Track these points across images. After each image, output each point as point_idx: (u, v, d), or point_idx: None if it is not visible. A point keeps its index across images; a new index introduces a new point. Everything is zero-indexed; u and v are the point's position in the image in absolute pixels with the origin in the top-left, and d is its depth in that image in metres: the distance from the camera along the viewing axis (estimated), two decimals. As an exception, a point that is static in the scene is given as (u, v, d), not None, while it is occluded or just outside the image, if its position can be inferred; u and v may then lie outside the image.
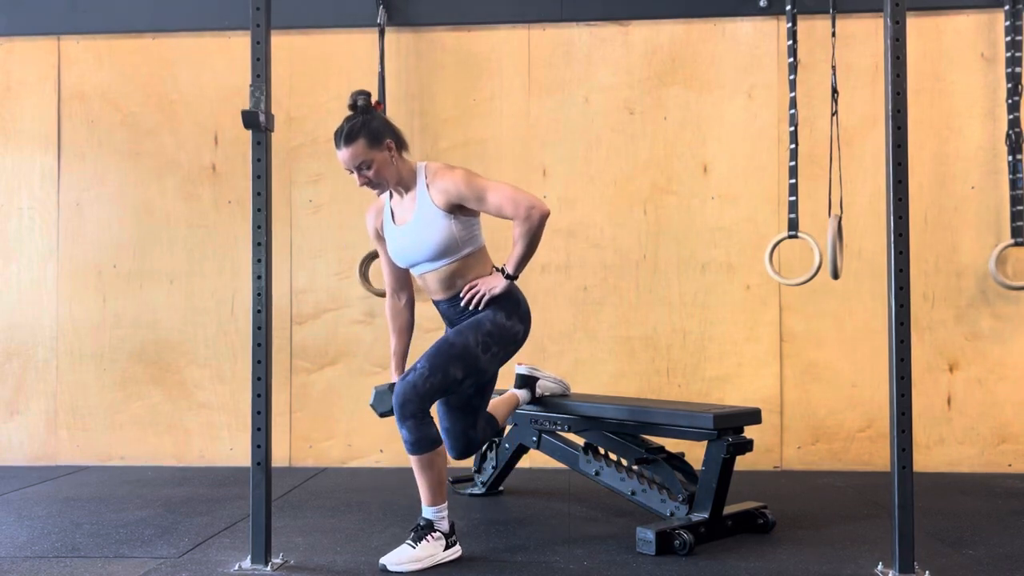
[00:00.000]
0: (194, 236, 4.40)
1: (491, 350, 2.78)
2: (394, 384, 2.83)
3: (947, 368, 4.14)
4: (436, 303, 2.91)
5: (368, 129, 2.70)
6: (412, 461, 2.69)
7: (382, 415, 2.88)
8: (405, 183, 2.80)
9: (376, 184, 2.76)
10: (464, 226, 2.77)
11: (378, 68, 4.17)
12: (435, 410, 3.01)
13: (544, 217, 2.72)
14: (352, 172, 2.75)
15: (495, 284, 2.79)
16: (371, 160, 2.71)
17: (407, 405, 2.65)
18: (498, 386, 3.32)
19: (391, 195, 2.86)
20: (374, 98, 2.82)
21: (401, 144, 2.79)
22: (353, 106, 2.77)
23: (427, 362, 2.70)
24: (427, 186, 2.76)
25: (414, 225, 2.77)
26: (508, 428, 3.57)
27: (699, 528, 2.84)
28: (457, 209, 2.75)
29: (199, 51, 4.41)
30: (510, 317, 2.82)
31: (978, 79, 4.15)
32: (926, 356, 4.11)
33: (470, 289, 2.80)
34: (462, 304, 2.81)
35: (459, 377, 2.73)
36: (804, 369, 4.18)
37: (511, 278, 2.80)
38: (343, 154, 2.71)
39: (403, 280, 2.99)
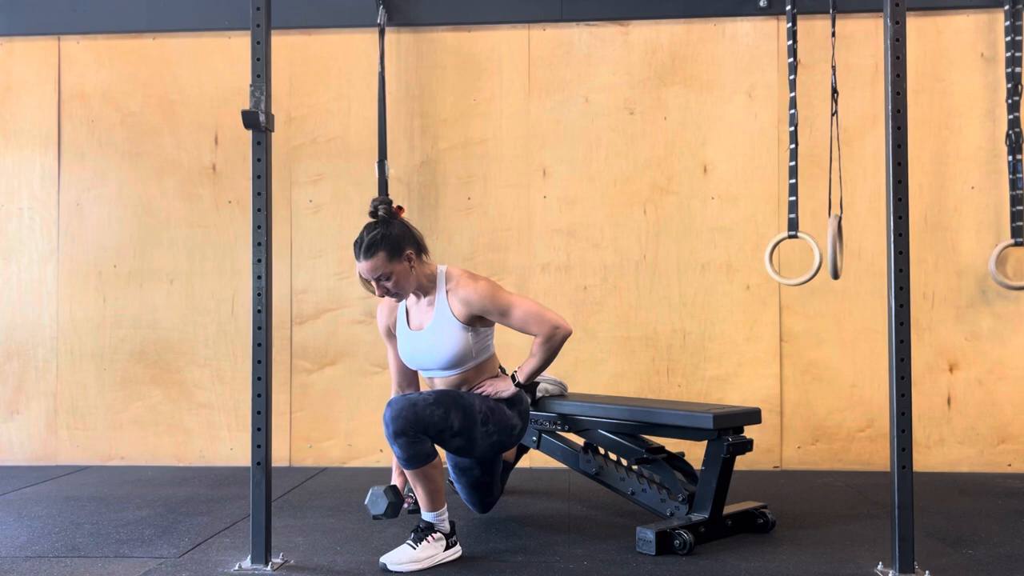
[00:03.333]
0: (194, 236, 4.40)
1: (488, 426, 2.79)
2: (392, 487, 2.80)
3: (947, 368, 4.14)
4: None
5: (388, 241, 2.68)
6: (407, 474, 2.69)
7: (375, 518, 2.80)
8: (424, 288, 2.80)
9: (395, 294, 2.75)
10: (480, 337, 2.80)
11: (378, 68, 4.17)
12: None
13: (567, 337, 2.76)
14: (370, 283, 2.75)
15: (503, 389, 2.84)
16: (391, 272, 2.69)
17: (399, 420, 2.62)
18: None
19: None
20: (395, 203, 2.80)
21: (421, 250, 2.78)
22: (374, 213, 2.75)
23: (435, 395, 2.72)
24: (447, 293, 2.76)
25: (430, 333, 2.77)
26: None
27: (699, 528, 2.84)
28: (476, 320, 2.76)
29: (199, 51, 4.41)
30: (511, 408, 2.86)
31: (978, 79, 4.15)
32: (926, 356, 4.11)
33: (478, 387, 2.84)
34: None
35: (454, 427, 2.71)
36: (804, 369, 4.19)
37: (520, 386, 2.84)
38: (362, 266, 2.69)
39: (411, 378, 3.03)
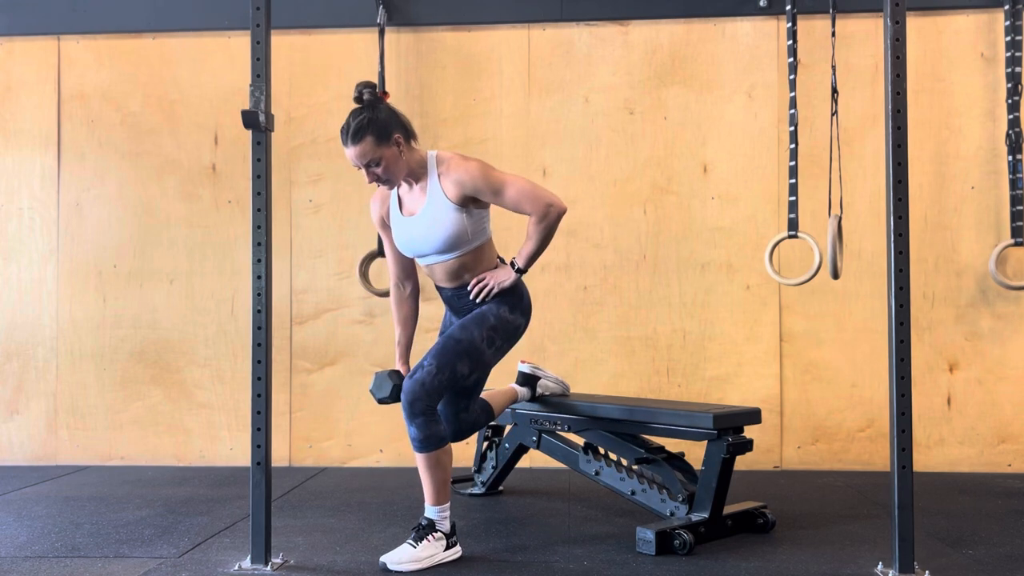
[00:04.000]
0: (194, 236, 4.40)
1: (495, 344, 2.77)
2: (396, 371, 2.82)
3: (947, 368, 4.14)
4: (440, 290, 2.89)
5: (375, 125, 2.64)
6: (418, 459, 2.68)
7: (380, 401, 2.84)
8: (415, 174, 2.75)
9: (386, 180, 2.71)
10: (475, 219, 2.74)
11: (378, 68, 4.17)
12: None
13: (561, 215, 2.72)
14: (360, 168, 2.70)
15: (504, 278, 2.78)
16: (380, 157, 2.65)
17: (416, 403, 2.63)
18: (498, 384, 3.33)
19: (399, 185, 2.81)
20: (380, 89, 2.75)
21: (410, 135, 2.74)
22: (359, 99, 2.70)
23: (434, 359, 2.69)
24: (439, 177, 2.72)
25: (424, 217, 2.73)
26: (508, 428, 3.57)
27: (699, 528, 2.84)
28: (470, 202, 2.71)
29: (199, 51, 4.41)
30: (513, 311, 2.81)
31: (978, 79, 4.15)
32: (926, 356, 4.11)
33: (478, 282, 2.79)
34: (470, 296, 2.80)
35: (466, 372, 2.73)
36: (804, 369, 4.18)
37: (521, 272, 2.79)
38: (350, 152, 2.65)
39: (408, 269, 2.96)
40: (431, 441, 2.65)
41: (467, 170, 2.69)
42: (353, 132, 2.64)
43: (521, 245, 2.79)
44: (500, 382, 3.39)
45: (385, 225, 2.90)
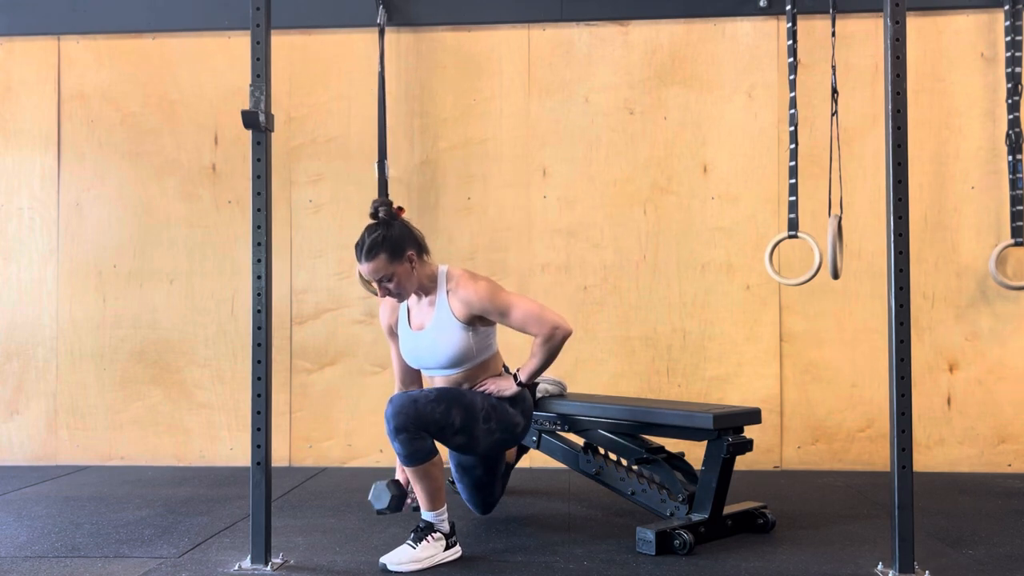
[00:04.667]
0: (194, 236, 4.40)
1: (490, 423, 2.80)
2: (395, 481, 2.83)
3: (947, 368, 4.14)
4: None
5: (389, 243, 2.68)
6: (407, 472, 2.69)
7: (379, 512, 2.82)
8: (425, 288, 2.80)
9: (397, 294, 2.76)
10: (481, 336, 2.80)
11: (378, 68, 4.17)
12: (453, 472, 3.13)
13: (566, 337, 2.76)
14: (371, 283, 2.75)
15: (505, 388, 2.84)
16: (392, 273, 2.70)
17: (399, 416, 2.63)
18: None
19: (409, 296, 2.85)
20: (395, 203, 2.80)
21: (422, 251, 2.78)
22: (375, 215, 2.75)
23: (436, 392, 2.73)
24: (447, 293, 2.77)
25: (431, 333, 2.78)
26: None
27: (699, 528, 2.84)
28: (477, 320, 2.77)
29: (199, 51, 4.41)
30: (514, 406, 2.87)
31: (978, 79, 4.14)
32: (926, 356, 4.11)
33: (480, 386, 2.85)
34: None
35: (456, 424, 2.71)
36: (804, 369, 4.18)
37: (522, 385, 2.84)
38: (364, 268, 2.70)
39: (414, 376, 3.03)
40: (417, 456, 2.66)
41: (476, 291, 2.74)
42: (368, 250, 2.68)
43: (525, 361, 2.82)
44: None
45: (393, 333, 2.95)
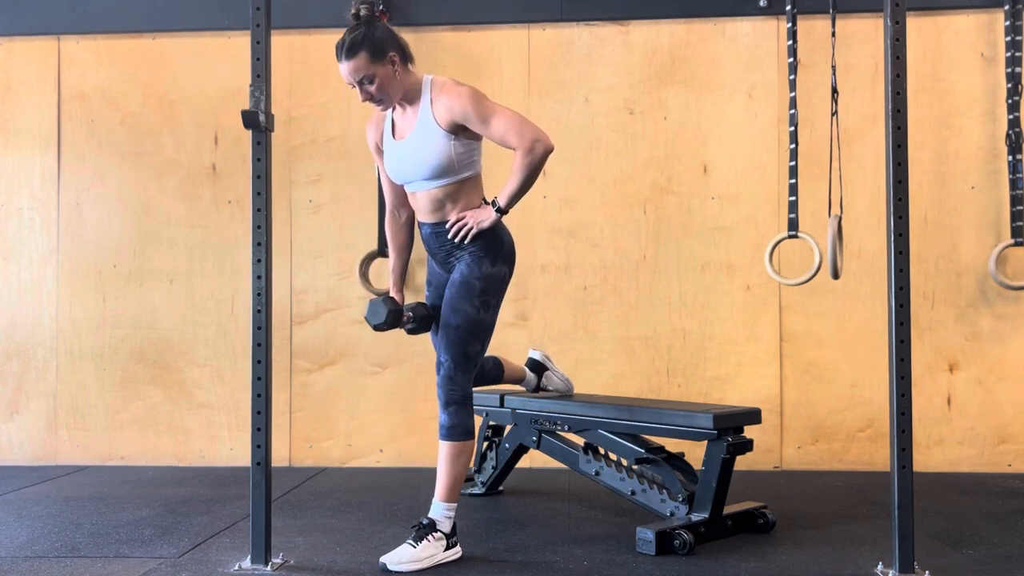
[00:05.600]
0: (194, 236, 4.40)
1: (490, 305, 2.73)
2: (390, 297, 2.79)
3: (947, 368, 4.14)
4: (420, 225, 2.84)
5: (371, 41, 2.59)
6: (441, 448, 2.66)
7: (376, 327, 2.78)
8: (409, 97, 2.70)
9: (379, 100, 2.67)
10: (464, 148, 2.68)
11: (378, 68, 4.16)
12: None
13: (548, 152, 2.62)
14: (353, 86, 2.65)
15: (484, 218, 2.70)
16: (373, 74, 2.61)
17: (452, 392, 2.65)
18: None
19: (393, 107, 2.77)
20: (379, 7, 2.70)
21: (407, 57, 2.69)
22: (356, 15, 2.64)
23: (447, 355, 2.69)
24: (431, 101, 2.67)
25: (413, 141, 2.69)
26: (508, 428, 3.57)
27: (699, 528, 2.84)
28: (460, 130, 2.65)
29: (199, 51, 4.41)
30: (495, 263, 2.74)
31: (978, 79, 4.14)
32: (926, 356, 4.11)
33: (458, 220, 2.71)
34: (449, 236, 2.74)
35: (479, 348, 2.72)
36: (804, 369, 4.18)
37: (502, 212, 2.70)
38: (344, 67, 2.61)
39: (403, 196, 2.91)
40: (458, 431, 2.65)
41: (459, 95, 2.64)
42: (348, 47, 2.59)
43: (504, 183, 2.68)
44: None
45: (379, 150, 2.86)
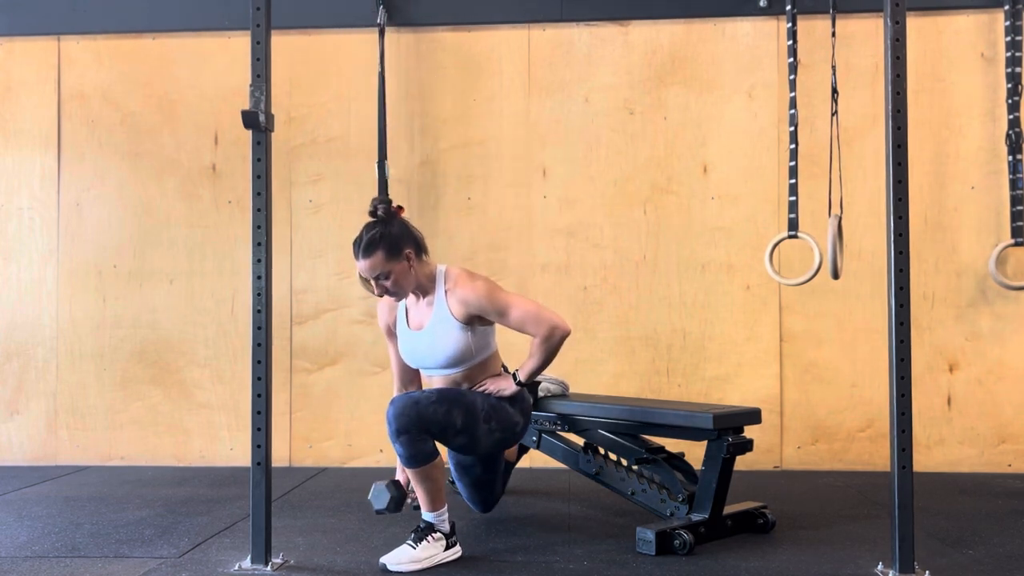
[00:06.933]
0: (194, 236, 4.40)
1: (490, 423, 2.79)
2: (395, 481, 2.82)
3: (947, 368, 4.14)
4: None
5: (387, 239, 2.68)
6: (408, 473, 2.69)
7: (378, 512, 2.82)
8: (424, 287, 2.80)
9: (394, 293, 2.76)
10: (479, 336, 2.79)
11: (378, 68, 4.17)
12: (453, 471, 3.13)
13: (564, 337, 2.75)
14: (369, 281, 2.76)
15: (504, 387, 2.83)
16: (390, 271, 2.70)
17: (401, 418, 2.63)
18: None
19: (407, 296, 2.85)
20: (395, 203, 2.80)
21: (421, 250, 2.78)
22: (373, 213, 2.75)
23: (437, 393, 2.73)
24: (446, 293, 2.76)
25: (429, 332, 2.78)
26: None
27: (699, 528, 2.84)
28: (475, 320, 2.76)
29: (199, 51, 4.41)
30: (513, 406, 2.86)
31: (978, 79, 4.15)
32: (926, 356, 4.11)
33: (479, 386, 2.84)
34: None
35: (457, 425, 2.71)
36: (804, 369, 4.18)
37: (521, 385, 2.83)
38: (361, 265, 2.71)
39: (413, 376, 3.03)
40: (418, 458, 2.65)
41: (473, 290, 2.73)
42: (365, 246, 2.69)
43: (524, 360, 2.81)
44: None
45: (391, 333, 2.95)
